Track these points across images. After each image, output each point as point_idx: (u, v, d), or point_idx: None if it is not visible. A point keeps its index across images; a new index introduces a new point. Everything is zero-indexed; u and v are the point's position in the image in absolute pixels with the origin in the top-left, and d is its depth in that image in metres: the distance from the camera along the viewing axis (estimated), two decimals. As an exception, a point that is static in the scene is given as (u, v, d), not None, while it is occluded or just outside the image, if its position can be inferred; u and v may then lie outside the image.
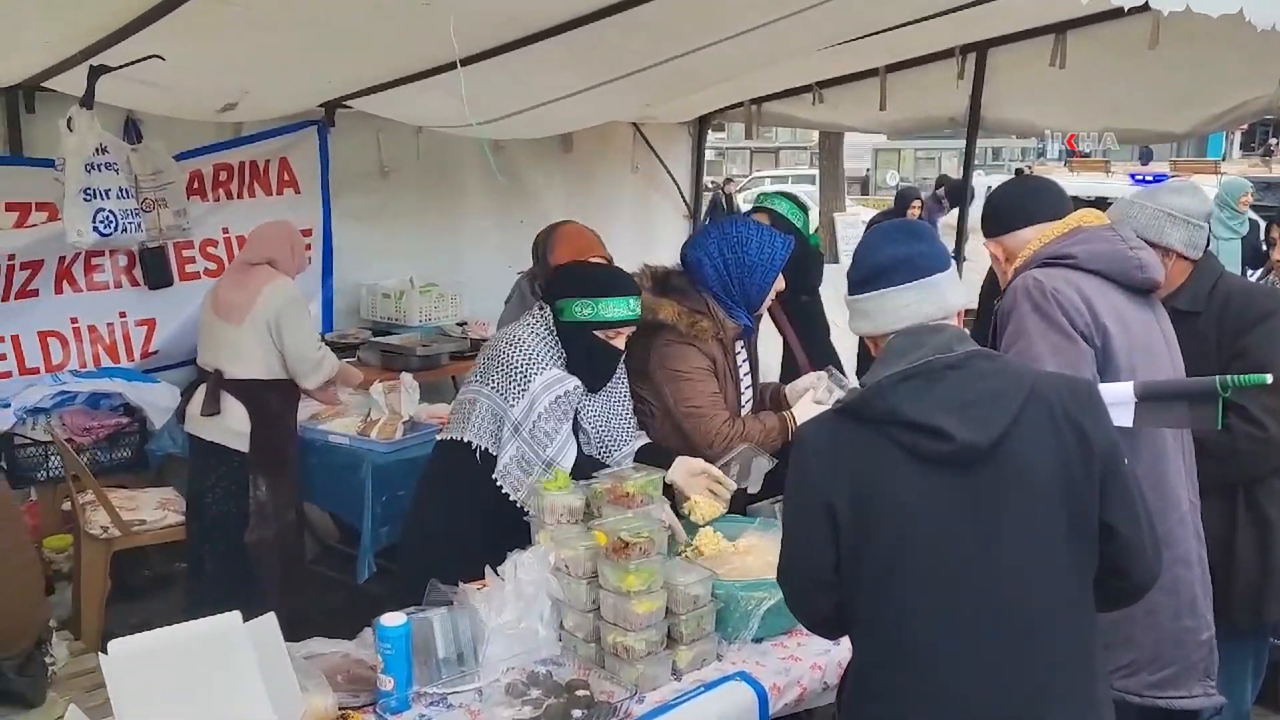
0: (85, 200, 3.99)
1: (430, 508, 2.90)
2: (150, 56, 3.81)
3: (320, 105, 5.44)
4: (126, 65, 3.84)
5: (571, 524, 2.36)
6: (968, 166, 6.26)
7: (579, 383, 2.74)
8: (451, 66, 4.50)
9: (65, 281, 4.83)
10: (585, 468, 2.64)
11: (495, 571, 2.31)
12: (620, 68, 4.47)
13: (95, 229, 3.99)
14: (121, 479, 4.60)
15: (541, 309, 2.83)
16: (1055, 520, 1.68)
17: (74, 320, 4.87)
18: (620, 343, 2.80)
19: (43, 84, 4.43)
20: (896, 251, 1.84)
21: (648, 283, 3.15)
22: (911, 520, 1.69)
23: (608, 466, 2.69)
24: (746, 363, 3.28)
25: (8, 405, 4.50)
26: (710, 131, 7.93)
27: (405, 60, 4.51)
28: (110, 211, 4.03)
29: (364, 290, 5.75)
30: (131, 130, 4.94)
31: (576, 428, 2.79)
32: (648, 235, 6.76)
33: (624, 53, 4.27)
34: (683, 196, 7.30)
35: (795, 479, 1.84)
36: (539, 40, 4.11)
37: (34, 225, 4.58)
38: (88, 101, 4.02)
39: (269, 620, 1.89)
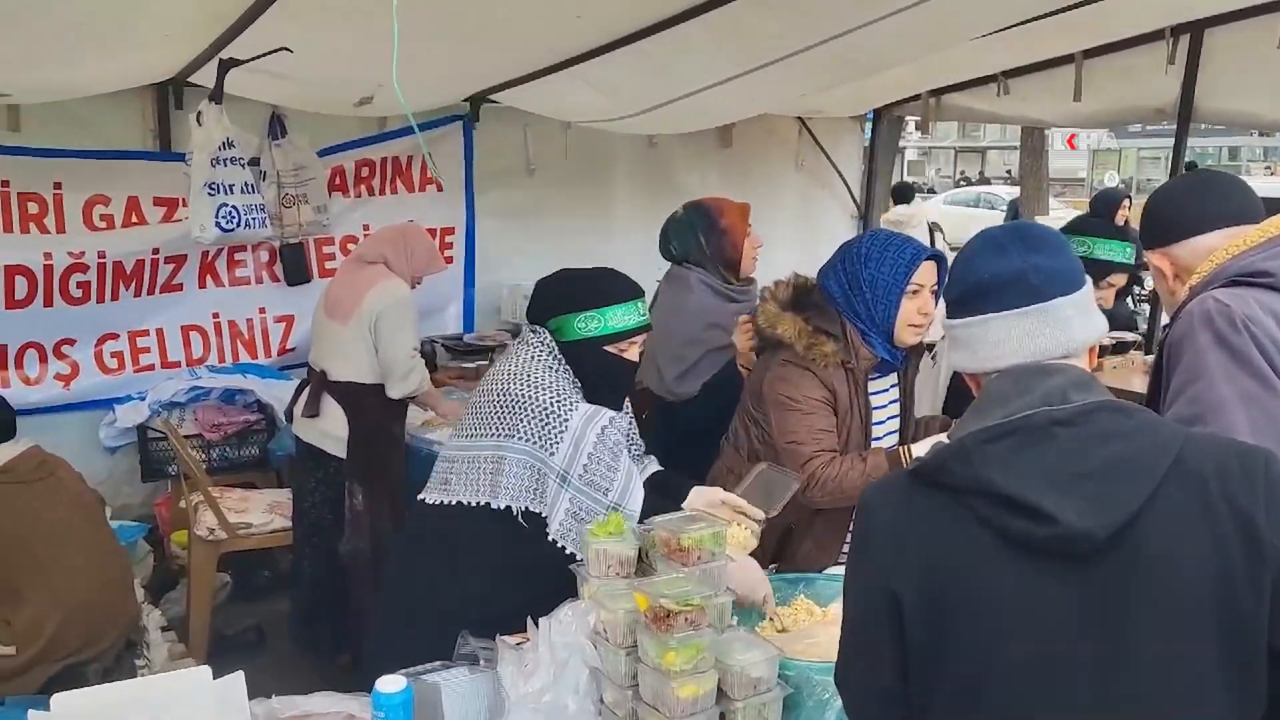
0: (209, 195, 3.94)
1: (445, 581, 2.38)
2: (278, 49, 3.73)
3: (465, 100, 5.30)
4: (255, 58, 3.78)
5: (623, 578, 2.01)
6: (1176, 165, 5.48)
7: (615, 411, 2.35)
8: (591, 55, 4.29)
9: (208, 276, 4.88)
10: (655, 509, 2.23)
11: (537, 624, 1.99)
12: (767, 53, 4.08)
13: (217, 224, 3.94)
14: (249, 476, 4.58)
15: (535, 333, 2.38)
16: (1203, 642, 1.21)
17: (215, 315, 4.92)
18: (633, 355, 2.39)
19: (189, 79, 4.47)
20: (1007, 265, 1.39)
21: (786, 292, 2.76)
22: (1000, 626, 1.25)
23: (679, 508, 2.30)
24: (896, 403, 2.82)
25: (143, 398, 4.55)
26: (914, 130, 7.38)
27: (543, 50, 4.29)
28: (233, 207, 3.96)
29: (505, 290, 5.57)
30: (276, 125, 4.93)
31: None
32: (811, 237, 6.31)
33: (768, 35, 3.88)
34: (852, 196, 6.81)
35: (853, 556, 1.43)
36: (676, 24, 3.80)
37: (179, 220, 4.61)
38: (216, 95, 3.99)
39: (235, 680, 1.64)
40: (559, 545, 2.23)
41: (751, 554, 2.30)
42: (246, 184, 4.05)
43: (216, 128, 3.99)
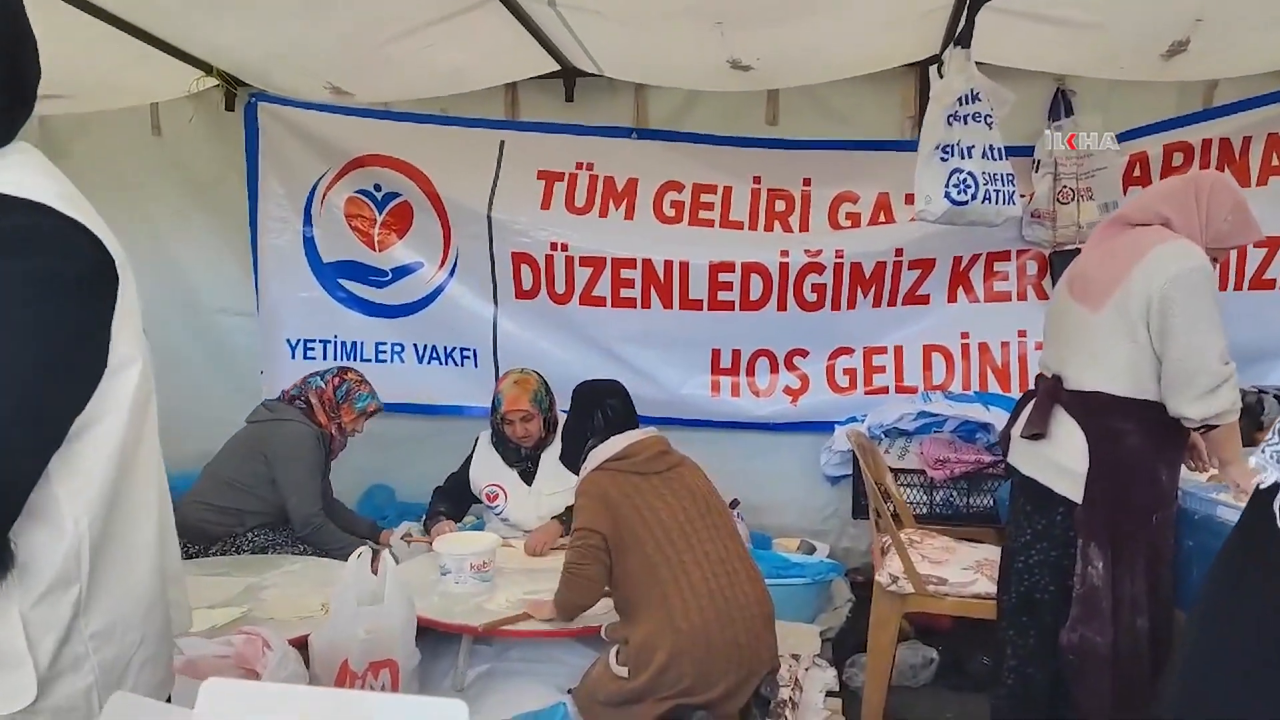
0: (941, 160, 3.14)
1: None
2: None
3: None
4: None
5: None
6: None
7: None
8: None
9: (959, 288, 4.06)
10: None
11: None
12: None
13: (947, 195, 3.10)
14: (976, 531, 3.58)
15: None
16: None
17: (964, 335, 4.06)
18: None
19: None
20: None
21: None
22: None
23: None
24: None
25: (863, 420, 3.87)
26: None
27: None
28: (969, 174, 3.09)
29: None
30: (1060, 104, 3.95)
31: None
32: None
33: None
34: None
35: None
36: None
37: (928, 218, 3.89)
38: (964, 38, 3.18)
39: None
40: None
41: None
42: (990, 148, 3.14)
43: (959, 78, 3.17)
